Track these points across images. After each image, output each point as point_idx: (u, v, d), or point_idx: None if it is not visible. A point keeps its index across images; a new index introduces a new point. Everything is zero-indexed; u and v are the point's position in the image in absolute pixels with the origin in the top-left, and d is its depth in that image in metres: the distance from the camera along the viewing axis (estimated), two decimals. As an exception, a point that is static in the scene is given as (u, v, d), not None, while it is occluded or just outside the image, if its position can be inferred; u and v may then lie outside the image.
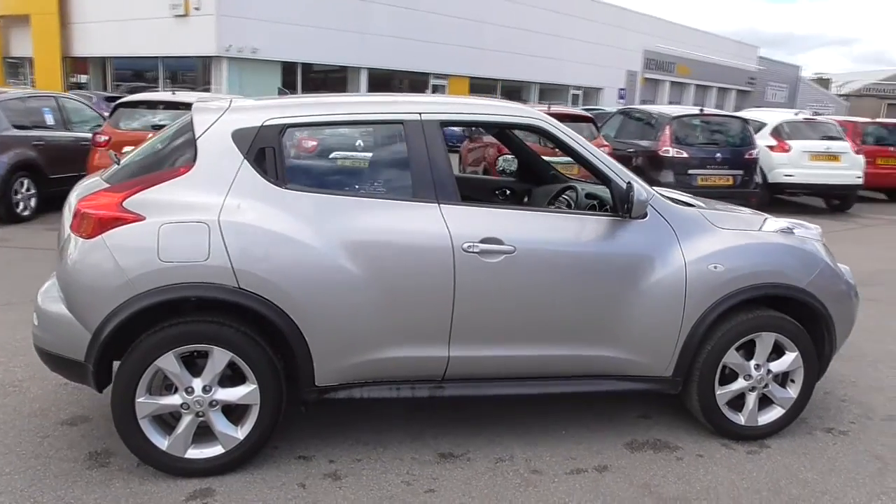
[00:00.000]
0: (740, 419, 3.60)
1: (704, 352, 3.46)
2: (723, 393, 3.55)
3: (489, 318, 3.23)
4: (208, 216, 2.94)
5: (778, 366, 3.59)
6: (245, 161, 3.06)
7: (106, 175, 3.29)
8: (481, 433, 3.59)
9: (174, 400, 3.02)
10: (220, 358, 3.00)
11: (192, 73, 22.98)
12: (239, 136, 3.09)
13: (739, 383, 3.57)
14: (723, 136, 10.66)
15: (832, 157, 11.42)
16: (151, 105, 9.01)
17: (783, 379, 3.64)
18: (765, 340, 3.54)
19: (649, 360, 3.45)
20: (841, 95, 61.99)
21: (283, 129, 3.14)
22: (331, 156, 3.55)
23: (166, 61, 23.24)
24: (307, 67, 23.66)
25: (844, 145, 11.55)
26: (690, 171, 10.01)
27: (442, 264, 3.13)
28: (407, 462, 3.30)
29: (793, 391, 3.65)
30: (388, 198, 3.21)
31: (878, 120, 14.01)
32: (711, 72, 44.65)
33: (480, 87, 28.89)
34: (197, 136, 3.09)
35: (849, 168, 11.44)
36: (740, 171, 10.33)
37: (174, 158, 3.14)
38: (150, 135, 8.37)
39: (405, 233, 3.12)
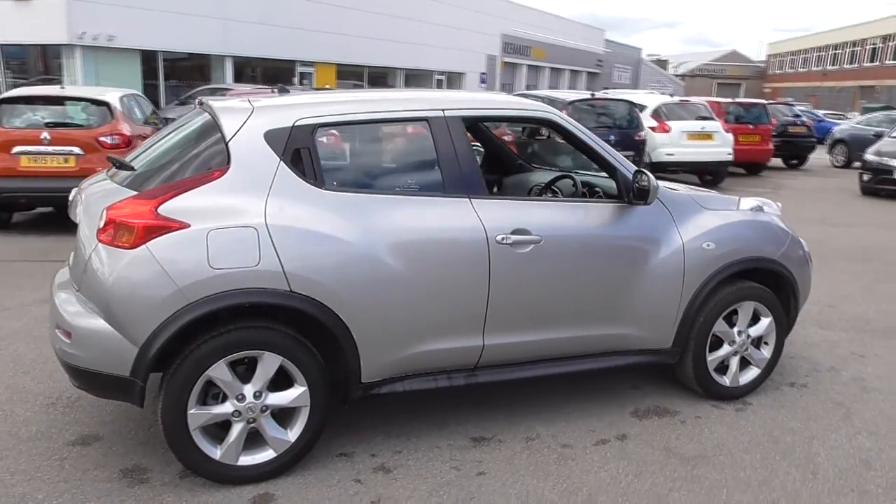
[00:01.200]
0: (726, 381, 4.00)
1: (698, 323, 3.81)
2: (712, 359, 3.93)
3: (519, 306, 3.39)
4: (255, 220, 2.88)
5: (755, 330, 4.01)
6: (281, 163, 3.01)
7: (125, 181, 3.11)
8: (498, 416, 3.75)
9: (226, 408, 2.94)
10: (270, 363, 2.96)
11: (38, 62, 21.01)
12: (272, 137, 3.03)
13: (725, 349, 3.96)
14: (613, 118, 11.35)
15: (706, 135, 12.47)
16: (33, 101, 8.30)
17: (758, 342, 4.08)
18: (745, 309, 3.95)
19: (654, 335, 3.76)
20: (677, 75, 66.91)
21: (315, 128, 3.11)
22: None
23: (5, 49, 21.08)
24: (168, 56, 22.34)
25: (716, 125, 12.65)
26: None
27: (478, 256, 3.24)
28: (445, 449, 3.40)
29: (766, 352, 4.09)
30: (422, 194, 3.27)
31: (738, 100, 15.38)
32: (564, 55, 46.71)
33: (348, 73, 28.57)
34: (228, 139, 2.99)
35: (721, 146, 12.55)
36: (631, 152, 11.04)
37: (202, 162, 3.02)
38: (43, 133, 7.93)
39: (442, 228, 3.20)
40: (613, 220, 3.60)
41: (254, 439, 3.04)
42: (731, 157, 12.69)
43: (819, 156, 19.11)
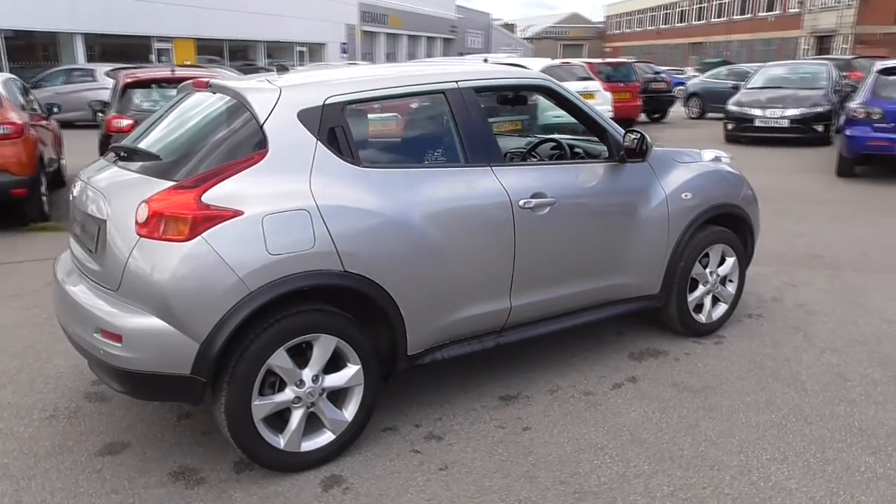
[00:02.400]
0: (702, 319, 4.38)
1: (680, 268, 4.14)
2: (692, 300, 4.29)
3: (539, 266, 3.54)
4: (306, 202, 2.83)
5: (723, 270, 4.42)
6: (318, 142, 2.96)
7: (148, 169, 2.93)
8: (514, 374, 3.91)
9: (287, 396, 2.90)
10: (326, 345, 2.94)
11: None
12: (305, 117, 2.96)
13: (700, 290, 4.33)
14: (507, 83, 11.64)
15: (590, 95, 13.09)
16: None
17: (724, 280, 4.48)
18: (716, 251, 4.33)
19: (646, 282, 4.05)
20: (525, 38, 68.93)
21: (344, 105, 3.07)
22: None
23: None
24: (9, 35, 20.24)
25: (596, 84, 13.31)
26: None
27: (504, 222, 3.36)
28: (481, 411, 3.52)
29: (732, 289, 4.51)
30: (448, 166, 3.33)
31: (608, 60, 16.20)
32: (419, 22, 46.84)
33: (207, 48, 27.20)
34: (262, 121, 2.90)
35: (603, 104, 13.20)
36: (526, 116, 11.42)
37: (235, 146, 2.90)
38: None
39: (472, 197, 3.28)
40: (610, 179, 3.82)
41: (310, 423, 3.02)
42: (612, 114, 13.39)
43: (674, 109, 20.55)
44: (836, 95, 13.40)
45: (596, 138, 4.03)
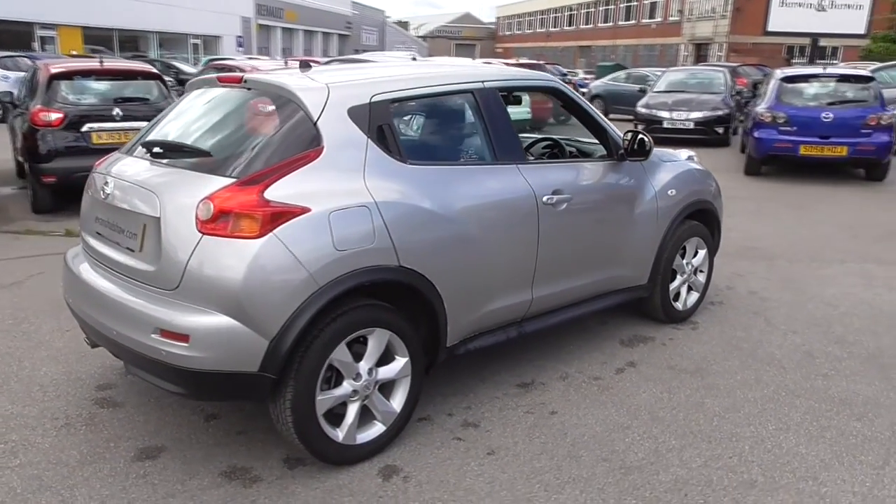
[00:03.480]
0: (679, 306, 4.73)
1: (664, 260, 4.46)
2: (672, 289, 4.62)
3: (557, 259, 3.73)
4: (366, 199, 2.88)
5: (696, 261, 4.78)
6: (369, 140, 3.01)
7: (197, 166, 2.88)
8: (523, 363, 4.07)
9: (345, 389, 2.94)
10: (381, 339, 3.00)
11: None
12: (355, 115, 3.01)
13: (678, 280, 4.67)
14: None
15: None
16: None
17: (695, 270, 4.85)
18: (692, 244, 4.68)
19: (638, 273, 4.33)
20: (420, 37, 69.33)
21: (389, 103, 3.14)
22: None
23: None
24: None
25: (517, 86, 13.68)
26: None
27: (530, 217, 3.52)
28: (503, 398, 3.67)
29: (702, 278, 4.89)
30: (481, 163, 3.45)
31: (522, 61, 16.69)
32: (315, 17, 46.19)
33: (95, 38, 25.69)
34: (316, 119, 2.92)
35: (524, 106, 13.62)
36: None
37: (290, 143, 2.90)
38: None
39: (503, 193, 3.43)
40: (611, 176, 4.07)
41: (360, 416, 3.07)
42: (530, 116, 13.85)
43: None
44: (733, 100, 14.45)
45: (586, 139, 4.28)
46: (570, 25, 60.84)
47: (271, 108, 3.05)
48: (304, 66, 3.47)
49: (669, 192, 4.38)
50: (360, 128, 3.00)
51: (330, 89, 3.02)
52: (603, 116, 4.15)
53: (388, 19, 65.74)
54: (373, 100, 3.08)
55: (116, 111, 7.66)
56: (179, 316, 2.66)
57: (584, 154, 4.40)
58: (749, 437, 3.34)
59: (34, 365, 3.95)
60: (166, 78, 9.49)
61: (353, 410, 2.99)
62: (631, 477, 3.00)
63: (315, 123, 2.91)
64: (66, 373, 3.86)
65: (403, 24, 72.52)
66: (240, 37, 35.88)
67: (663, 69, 17.84)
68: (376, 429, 3.09)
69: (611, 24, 54.02)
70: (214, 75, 3.49)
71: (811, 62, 37.68)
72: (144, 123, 7.42)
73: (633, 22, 51.04)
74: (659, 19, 47.92)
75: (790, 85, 10.28)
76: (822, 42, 38.81)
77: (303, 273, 2.69)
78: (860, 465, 3.11)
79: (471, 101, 3.49)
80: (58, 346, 4.20)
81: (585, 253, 3.93)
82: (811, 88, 10.23)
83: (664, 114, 14.07)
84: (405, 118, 3.57)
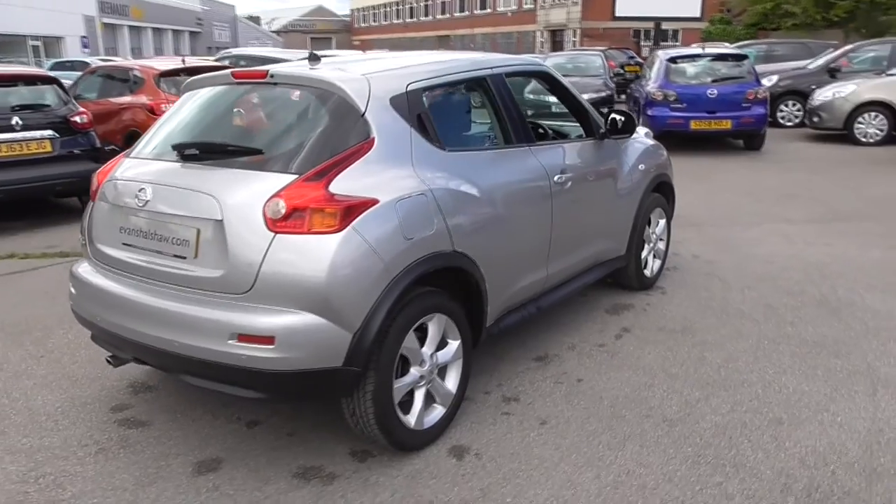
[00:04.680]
0: (648, 273, 5.07)
1: (638, 230, 4.78)
2: (644, 258, 4.95)
3: (564, 235, 3.92)
4: (421, 186, 2.93)
5: (658, 230, 5.14)
6: (411, 128, 3.05)
7: (253, 165, 2.81)
8: (527, 339, 4.23)
9: (413, 376, 2.98)
10: (440, 324, 3.07)
11: None
12: (396, 104, 3.04)
13: (646, 249, 5.01)
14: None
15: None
16: None
17: (657, 239, 5.22)
18: (656, 214, 5.04)
19: (619, 244, 4.62)
20: (274, 32, 67.55)
21: (422, 91, 3.19)
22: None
23: None
24: None
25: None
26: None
27: (546, 196, 3.70)
28: (527, 373, 3.83)
29: (663, 245, 5.27)
30: (503, 147, 3.57)
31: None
32: (163, 14, 43.90)
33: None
34: (363, 110, 2.92)
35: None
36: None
37: (339, 136, 2.89)
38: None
39: (524, 174, 3.58)
40: (596, 154, 4.31)
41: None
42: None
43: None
44: (612, 82, 15.31)
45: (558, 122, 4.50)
46: (426, 16, 61.47)
47: (313, 101, 3.01)
48: (314, 58, 3.43)
49: (640, 166, 4.69)
50: (402, 117, 3.03)
51: (370, 80, 3.02)
52: (585, 100, 4.38)
53: (239, 15, 63.58)
54: (409, 88, 3.12)
55: (15, 120, 7.03)
56: (260, 318, 2.60)
57: (561, 135, 4.62)
58: (756, 382, 3.69)
59: (26, 396, 3.66)
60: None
61: (420, 396, 3.04)
62: (677, 428, 3.25)
63: (363, 115, 2.92)
64: (68, 399, 3.61)
65: (255, 19, 70.37)
66: (84, 37, 33.45)
67: (542, 55, 18.53)
68: (437, 412, 3.15)
69: (467, 13, 55.16)
70: (220, 73, 3.36)
71: (656, 45, 40.39)
72: (49, 133, 7.09)
73: (489, 11, 52.40)
74: (514, 7, 49.50)
75: (675, 65, 11.09)
76: (664, 25, 41.87)
77: (380, 264, 2.70)
78: (857, 396, 3.53)
79: (487, 87, 3.59)
80: (41, 374, 3.90)
81: (584, 228, 4.16)
82: (694, 67, 11.09)
83: (551, 98, 14.64)
84: (435, 106, 3.62)
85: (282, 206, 2.61)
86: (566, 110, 4.42)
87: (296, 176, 2.71)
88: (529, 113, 4.86)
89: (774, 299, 4.88)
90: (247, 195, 2.68)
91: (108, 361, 3.30)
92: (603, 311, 4.70)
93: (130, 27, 39.77)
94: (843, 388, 3.61)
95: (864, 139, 11.86)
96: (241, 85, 3.26)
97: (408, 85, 3.12)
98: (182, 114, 3.33)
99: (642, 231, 4.81)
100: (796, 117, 14.16)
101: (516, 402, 3.50)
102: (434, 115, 3.22)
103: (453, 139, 3.48)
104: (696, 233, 6.62)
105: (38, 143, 7.02)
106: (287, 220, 2.60)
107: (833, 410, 3.39)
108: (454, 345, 3.18)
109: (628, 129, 4.32)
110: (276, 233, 2.61)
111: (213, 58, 12.44)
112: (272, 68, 3.13)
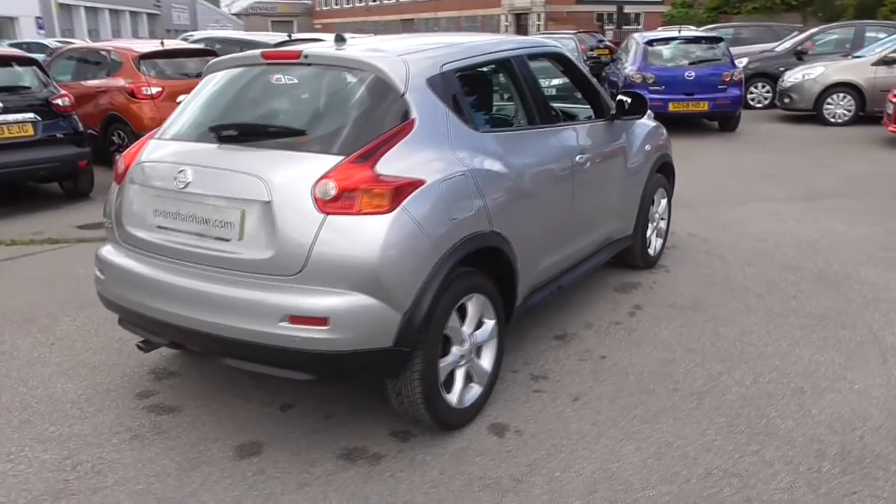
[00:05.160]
0: (652, 252, 5.16)
1: (645, 209, 4.85)
2: (648, 236, 5.03)
3: (582, 215, 3.97)
4: (461, 167, 2.94)
5: (660, 210, 5.23)
6: (447, 109, 3.05)
7: (299, 146, 2.78)
8: (545, 319, 4.25)
9: (454, 356, 3.00)
10: (479, 304, 3.09)
11: None
12: (433, 85, 3.04)
13: (650, 228, 5.09)
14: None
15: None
16: None
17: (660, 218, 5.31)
18: (659, 194, 5.12)
19: (627, 224, 4.69)
20: (234, 14, 66.23)
21: (456, 72, 3.19)
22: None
23: None
24: None
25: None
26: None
27: (568, 176, 3.73)
28: (550, 351, 3.87)
29: (664, 225, 5.36)
30: (528, 128, 3.59)
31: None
32: (119, -5, 42.70)
33: None
34: (403, 91, 2.91)
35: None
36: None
37: (379, 116, 2.88)
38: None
39: (549, 153, 3.61)
40: (611, 135, 4.35)
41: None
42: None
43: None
44: (586, 65, 15.38)
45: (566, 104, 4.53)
46: (389, -1, 60.88)
47: (352, 82, 2.99)
48: (340, 39, 3.39)
49: (646, 147, 4.76)
50: (438, 98, 3.03)
51: (406, 61, 3.01)
52: (597, 83, 4.42)
53: (198, -3, 62.11)
54: (443, 69, 3.11)
55: (-2, 103, 6.80)
56: (313, 300, 2.59)
57: (569, 116, 4.65)
58: (773, 354, 3.80)
59: (44, 384, 3.58)
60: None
61: (460, 375, 3.06)
62: (706, 401, 3.33)
63: (403, 96, 2.91)
64: (89, 386, 3.55)
65: (214, 1, 68.83)
66: (39, 18, 32.36)
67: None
68: (475, 390, 3.18)
69: (431, -4, 54.77)
70: (247, 54, 3.31)
71: (619, 28, 40.75)
72: (31, 115, 6.87)
73: (453, -7, 52.10)
74: (478, -10, 49.28)
75: (652, 48, 11.21)
76: (627, 9, 42.27)
77: (428, 244, 2.71)
78: (870, 364, 3.66)
79: (511, 68, 3.60)
80: (56, 361, 3.82)
81: (599, 208, 4.21)
82: (671, 50, 11.22)
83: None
84: (466, 86, 3.62)
85: (332, 188, 2.59)
86: (559, 92, 4.45)
87: (342, 157, 2.69)
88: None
89: (775, 275, 5.00)
90: (294, 176, 2.66)
91: (140, 347, 3.25)
92: (612, 290, 4.77)
93: (87, 8, 38.59)
94: (854, 357, 3.74)
95: (832, 119, 12.16)
96: (271, 66, 3.21)
97: (442, 65, 3.11)
98: (208, 95, 3.27)
99: (647, 210, 4.88)
100: (766, 99, 14.45)
101: (545, 380, 3.55)
102: (464, 95, 3.22)
103: (483, 120, 3.49)
104: (688, 212, 6.74)
105: (20, 127, 6.80)
106: (337, 202, 2.59)
107: (850, 379, 3.51)
108: (489, 324, 3.20)
109: (640, 109, 4.37)
110: (327, 214, 2.59)
111: (187, 42, 12.14)
112: (306, 49, 3.09)
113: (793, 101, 12.44)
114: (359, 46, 3.23)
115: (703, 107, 10.65)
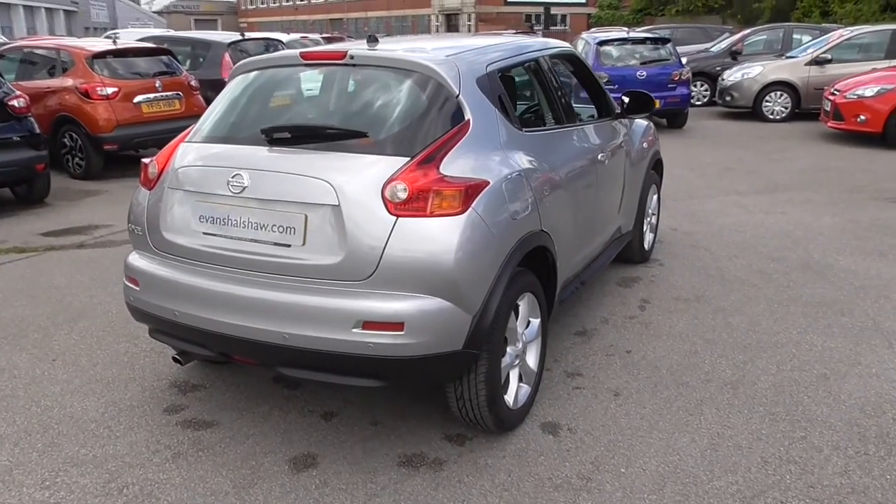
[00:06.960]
0: (647, 246, 5.28)
1: (643, 205, 4.95)
2: (644, 231, 5.14)
3: (602, 210, 4.02)
4: (516, 167, 2.93)
5: (653, 205, 5.35)
6: (496, 110, 3.04)
7: (362, 149, 2.70)
8: (560, 316, 4.21)
9: (510, 356, 2.98)
10: (529, 303, 3.08)
11: None
12: (482, 86, 3.01)
13: (645, 223, 5.20)
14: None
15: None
16: None
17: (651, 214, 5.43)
18: (651, 190, 5.24)
19: (629, 220, 4.77)
20: (155, 12, 63.97)
21: (499, 72, 3.17)
22: None
23: None
24: None
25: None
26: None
27: (593, 173, 3.78)
28: (574, 348, 3.90)
29: (655, 220, 5.48)
30: (559, 127, 3.61)
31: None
32: (33, -8, 40.60)
33: None
34: (458, 92, 2.87)
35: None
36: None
37: (441, 117, 2.84)
38: None
39: (579, 152, 3.65)
40: (618, 133, 4.42)
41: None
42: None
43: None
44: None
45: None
46: (316, -3, 60.04)
47: (404, 84, 2.92)
48: (373, 39, 3.32)
49: (643, 144, 4.86)
50: (487, 98, 3.01)
51: (457, 62, 2.97)
52: (602, 83, 4.49)
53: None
54: (488, 70, 3.09)
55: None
56: (387, 304, 2.53)
57: (579, 115, 4.70)
58: (787, 342, 3.94)
59: (59, 403, 3.38)
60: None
61: (514, 375, 3.05)
62: (740, 389, 3.43)
63: (457, 97, 2.87)
64: (110, 403, 3.37)
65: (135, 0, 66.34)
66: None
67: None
68: (524, 390, 3.17)
69: (359, -5, 54.34)
70: (283, 54, 3.19)
71: (546, 28, 41.39)
72: None
73: (381, -7, 51.83)
74: (407, -10, 49.19)
75: (604, 48, 11.44)
76: (553, 10, 43.06)
77: (495, 245, 2.69)
78: (878, 349, 3.84)
79: (539, 69, 3.61)
80: (63, 378, 3.61)
81: (613, 204, 4.27)
82: (621, 51, 11.49)
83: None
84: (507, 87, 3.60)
85: (402, 189, 2.53)
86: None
87: (407, 159, 2.63)
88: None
89: (763, 265, 5.19)
90: (362, 179, 2.58)
91: (176, 360, 3.10)
92: (615, 285, 4.85)
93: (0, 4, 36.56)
94: (863, 343, 3.92)
95: (771, 116, 12.71)
96: (309, 67, 3.11)
97: (487, 66, 3.09)
98: (244, 97, 3.14)
99: (644, 206, 4.99)
100: (704, 97, 14.98)
101: (581, 377, 3.58)
102: (507, 95, 3.21)
103: (523, 120, 3.48)
104: (663, 207, 6.89)
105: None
106: (408, 204, 2.54)
107: (864, 363, 3.68)
108: (535, 323, 3.20)
109: (646, 108, 4.46)
110: (398, 216, 2.53)
111: (135, 38, 11.66)
112: (352, 50, 3.01)
113: (734, 98, 12.94)
114: (400, 47, 3.17)
115: (655, 105, 10.91)
